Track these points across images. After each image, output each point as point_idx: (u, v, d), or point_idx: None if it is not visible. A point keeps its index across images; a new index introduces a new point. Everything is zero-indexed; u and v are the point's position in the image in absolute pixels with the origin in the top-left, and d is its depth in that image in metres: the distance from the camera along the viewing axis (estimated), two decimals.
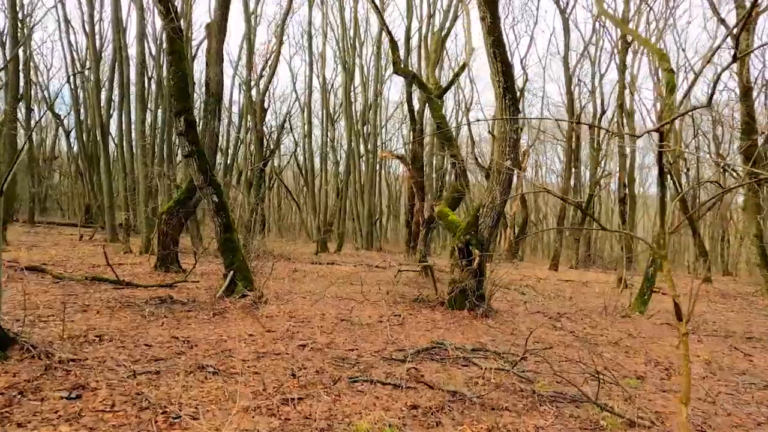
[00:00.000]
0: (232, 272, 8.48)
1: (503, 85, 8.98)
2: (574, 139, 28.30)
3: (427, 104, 24.86)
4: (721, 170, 36.45)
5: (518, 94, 30.04)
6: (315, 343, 6.19)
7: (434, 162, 24.28)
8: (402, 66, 14.01)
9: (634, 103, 24.87)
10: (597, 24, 30.81)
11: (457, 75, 13.79)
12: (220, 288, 8.29)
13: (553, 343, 7.57)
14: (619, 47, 18.11)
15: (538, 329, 8.44)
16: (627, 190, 20.70)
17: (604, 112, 27.90)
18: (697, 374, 6.32)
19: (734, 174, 34.76)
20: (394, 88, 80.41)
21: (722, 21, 16.44)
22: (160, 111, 21.60)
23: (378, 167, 37.04)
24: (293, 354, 5.70)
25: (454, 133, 14.87)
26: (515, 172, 9.18)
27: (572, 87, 26.15)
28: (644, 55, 26.53)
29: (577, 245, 29.57)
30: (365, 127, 32.01)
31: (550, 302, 12.68)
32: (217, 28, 11.00)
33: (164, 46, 14.98)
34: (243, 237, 14.60)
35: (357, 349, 6.14)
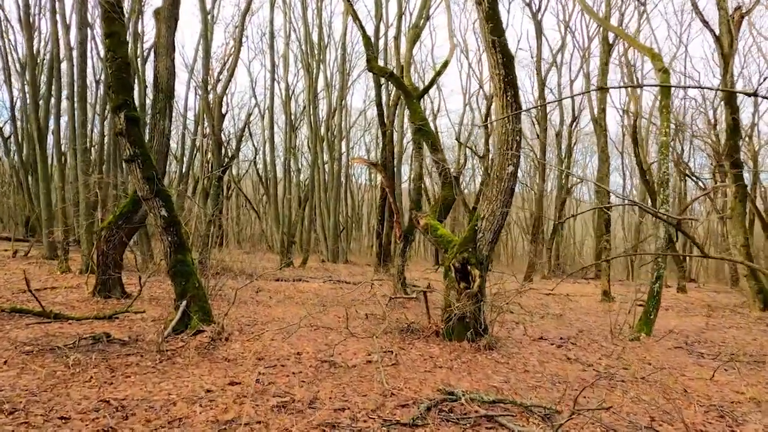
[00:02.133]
0: (184, 302, 6.95)
1: (504, 78, 7.78)
2: (539, 148, 27.67)
3: (404, 107, 23.64)
4: (683, 176, 36.72)
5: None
6: (294, 402, 4.76)
7: (408, 169, 23.06)
8: (377, 64, 12.75)
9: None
10: (564, 30, 30.43)
11: (438, 73, 12.60)
12: (169, 322, 6.74)
13: (574, 381, 6.36)
14: (602, 49, 17.33)
15: (550, 362, 7.25)
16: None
17: (575, 118, 27.30)
18: (762, 423, 5.20)
19: (698, 181, 34.90)
20: (357, 95, 79.22)
21: (705, 23, 15.84)
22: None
23: (343, 177, 35.63)
24: (267, 421, 4.27)
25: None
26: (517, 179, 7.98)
27: (544, 92, 25.39)
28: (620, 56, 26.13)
29: (549, 255, 28.86)
30: (329, 133, 30.58)
31: (544, 322, 11.55)
32: (167, 14, 9.47)
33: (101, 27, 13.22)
34: (200, 253, 12.98)
35: (348, 408, 4.74)
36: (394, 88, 19.37)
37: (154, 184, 6.91)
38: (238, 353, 6.32)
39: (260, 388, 5.08)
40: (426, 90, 12.46)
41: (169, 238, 7.05)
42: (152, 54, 19.99)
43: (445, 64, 12.51)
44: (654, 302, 10.22)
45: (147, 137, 9.66)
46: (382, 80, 20.98)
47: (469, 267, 7.69)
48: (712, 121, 35.15)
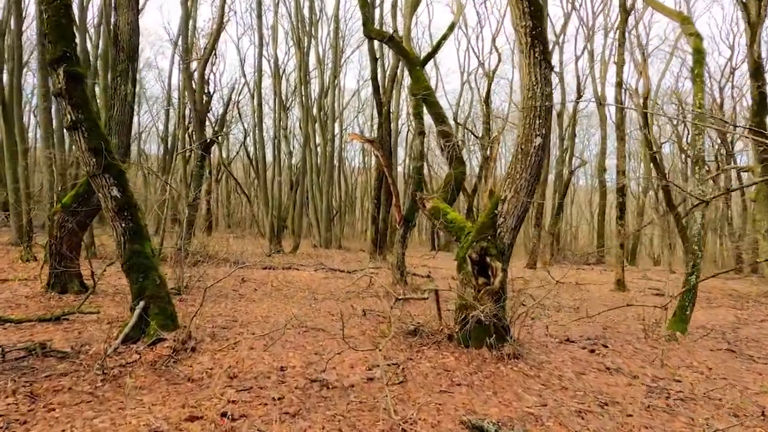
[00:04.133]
0: (142, 303, 5.63)
1: (531, 31, 6.43)
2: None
3: (400, 84, 22.22)
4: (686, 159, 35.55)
5: (491, 72, 27.66)
6: None
7: (403, 152, 21.72)
8: (374, 27, 11.32)
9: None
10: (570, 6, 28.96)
11: (444, 37, 11.17)
12: (121, 330, 5.42)
13: (624, 400, 5.13)
14: (620, 17, 15.93)
15: (588, 373, 6.01)
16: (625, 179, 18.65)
17: (580, 96, 25.95)
18: None
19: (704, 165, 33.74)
20: (350, 74, 77.34)
21: None
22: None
23: (336, 159, 34.21)
24: None
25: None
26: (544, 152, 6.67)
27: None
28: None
29: (551, 240, 27.68)
30: (321, 113, 29.05)
31: (561, 317, 10.34)
32: None
33: None
34: (180, 238, 11.62)
35: None
36: (391, 61, 17.95)
37: (102, 157, 5.55)
38: (205, 369, 5.01)
39: (227, 426, 3.79)
40: (431, 55, 11.05)
41: (123, 224, 5.71)
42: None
43: (452, 27, 11.11)
44: (690, 296, 9.00)
45: (108, 104, 8.29)
46: (378, 53, 19.51)
47: (488, 259, 6.40)
48: (718, 101, 33.95)
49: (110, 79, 8.18)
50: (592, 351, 7.07)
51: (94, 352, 5.17)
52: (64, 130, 11.05)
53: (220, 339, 6.09)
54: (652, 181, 27.86)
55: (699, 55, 10.59)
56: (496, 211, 6.65)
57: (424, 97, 9.56)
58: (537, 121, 6.50)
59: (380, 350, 4.87)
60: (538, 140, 6.52)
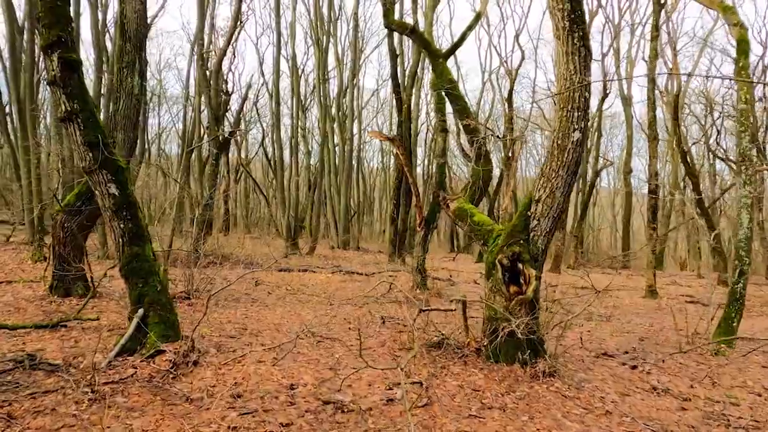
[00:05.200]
0: (141, 311, 5.15)
1: (569, 15, 5.82)
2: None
3: (420, 82, 21.63)
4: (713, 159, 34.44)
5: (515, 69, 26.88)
6: None
7: (422, 152, 21.12)
8: (395, 18, 10.77)
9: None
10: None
11: (470, 27, 10.53)
12: (117, 342, 4.95)
13: (678, 429, 4.51)
14: (654, 8, 15.14)
15: (633, 395, 5.38)
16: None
17: (606, 95, 25.09)
18: None
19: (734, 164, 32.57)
20: (369, 75, 76.87)
21: None
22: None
23: (355, 160, 33.72)
24: None
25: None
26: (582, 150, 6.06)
27: None
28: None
29: (575, 243, 26.85)
30: (339, 113, 28.55)
31: (593, 327, 9.70)
32: None
33: None
34: (194, 240, 11.19)
35: None
36: (411, 60, 17.37)
37: (99, 152, 5.08)
38: (206, 387, 4.50)
39: None
40: (455, 48, 10.43)
41: (121, 225, 5.23)
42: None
43: (478, 17, 10.49)
44: (737, 306, 8.28)
45: (113, 98, 7.86)
46: (398, 50, 18.96)
47: (521, 265, 5.80)
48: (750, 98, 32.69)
49: (116, 70, 7.76)
50: (634, 367, 6.42)
51: (85, 366, 4.69)
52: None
53: (227, 350, 5.58)
54: (684, 181, 26.82)
55: (743, 46, 9.84)
56: (528, 213, 6.05)
57: (448, 90, 8.98)
58: (575, 114, 5.88)
59: (402, 369, 4.30)
60: (577, 135, 5.90)
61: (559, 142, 5.95)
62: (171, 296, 8.43)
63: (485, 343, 5.82)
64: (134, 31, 7.66)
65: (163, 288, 5.33)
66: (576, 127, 5.89)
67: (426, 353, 5.99)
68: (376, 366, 4.75)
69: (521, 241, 5.94)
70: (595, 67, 28.41)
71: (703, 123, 33.79)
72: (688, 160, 22.29)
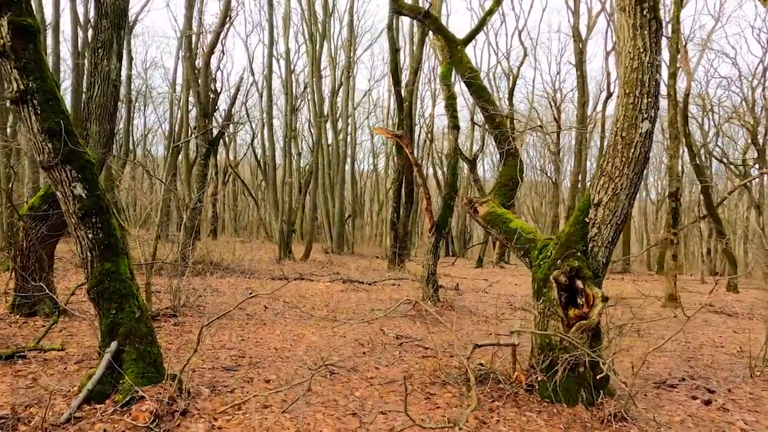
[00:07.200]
0: (114, 344, 4.05)
1: None
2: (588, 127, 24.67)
3: (418, 76, 20.55)
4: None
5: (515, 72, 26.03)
6: None
7: (419, 147, 20.11)
8: (405, 1, 9.73)
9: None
10: None
11: (491, 12, 9.56)
12: (85, 382, 3.85)
13: None
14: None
15: None
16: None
17: (610, 95, 24.29)
18: None
19: (737, 167, 31.97)
20: (360, 75, 75.81)
21: None
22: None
23: (349, 160, 32.65)
24: None
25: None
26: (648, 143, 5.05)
27: (583, 64, 22.26)
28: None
29: None
30: (332, 109, 27.47)
31: (630, 345, 8.71)
32: None
33: None
34: (182, 245, 10.04)
35: None
36: (412, 51, 16.37)
37: (60, 142, 4.00)
38: None
39: None
40: (475, 33, 9.31)
41: (90, 235, 4.13)
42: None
43: (498, 1, 9.49)
44: None
45: (86, 84, 6.74)
46: (398, 43, 17.94)
47: (580, 283, 4.79)
48: (750, 100, 32.16)
49: (90, 51, 6.63)
50: (708, 402, 5.42)
51: (37, 423, 3.57)
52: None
53: (222, 391, 4.49)
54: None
55: None
56: (586, 219, 5.04)
57: (469, 79, 7.97)
58: (644, 100, 4.89)
59: (460, 429, 3.25)
60: (646, 125, 4.90)
61: (623, 134, 4.95)
62: (155, 314, 7.34)
63: (538, 378, 4.78)
64: (111, 5, 6.55)
65: (142, 314, 4.22)
66: (645, 116, 4.89)
67: (462, 389, 4.94)
68: (424, 424, 3.66)
69: (578, 254, 4.93)
70: (597, 66, 27.65)
71: (700, 124, 33.31)
72: (698, 161, 21.53)
